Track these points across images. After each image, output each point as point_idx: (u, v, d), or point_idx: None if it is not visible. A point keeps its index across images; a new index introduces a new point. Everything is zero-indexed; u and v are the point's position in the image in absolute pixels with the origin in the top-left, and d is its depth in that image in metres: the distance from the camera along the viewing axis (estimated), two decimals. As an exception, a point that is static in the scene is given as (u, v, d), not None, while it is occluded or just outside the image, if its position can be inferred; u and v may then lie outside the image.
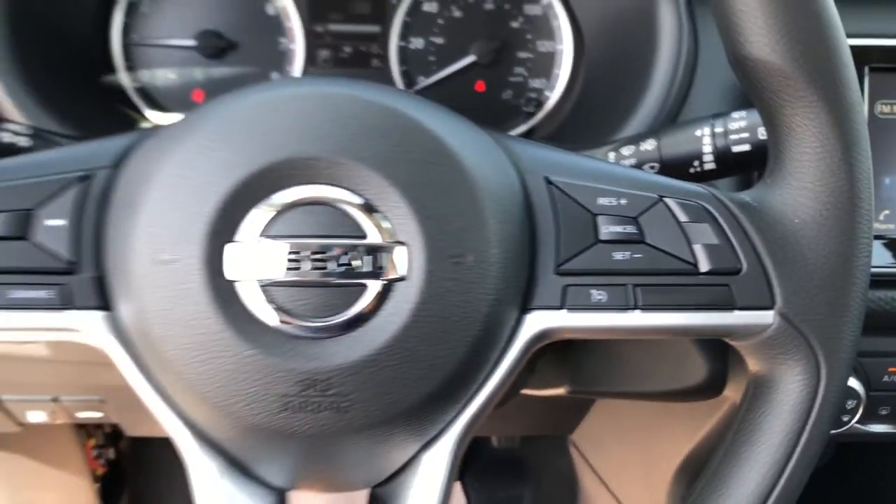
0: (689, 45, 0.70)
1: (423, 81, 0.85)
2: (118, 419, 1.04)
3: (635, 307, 0.45)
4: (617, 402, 1.00)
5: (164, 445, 1.44)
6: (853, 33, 0.67)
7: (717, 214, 0.46)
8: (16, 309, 0.43)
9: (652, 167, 0.61)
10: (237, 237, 0.41)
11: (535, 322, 0.45)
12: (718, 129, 0.59)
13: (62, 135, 0.60)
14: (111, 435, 1.44)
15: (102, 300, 0.44)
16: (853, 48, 0.67)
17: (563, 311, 0.45)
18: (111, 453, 1.45)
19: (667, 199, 0.46)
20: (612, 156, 0.62)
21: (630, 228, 0.46)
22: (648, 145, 0.61)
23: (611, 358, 0.80)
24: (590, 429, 1.09)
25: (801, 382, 0.45)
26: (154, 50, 0.81)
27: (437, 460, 0.46)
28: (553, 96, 0.86)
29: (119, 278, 0.43)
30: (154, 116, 0.82)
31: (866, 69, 0.70)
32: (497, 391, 0.46)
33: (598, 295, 0.45)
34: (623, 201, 0.46)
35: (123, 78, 0.81)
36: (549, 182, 0.47)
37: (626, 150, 0.62)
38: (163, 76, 0.82)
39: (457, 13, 0.84)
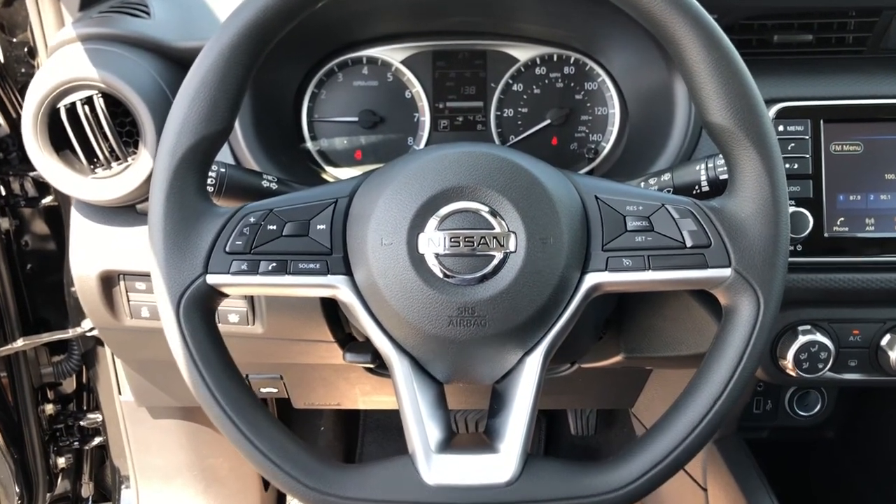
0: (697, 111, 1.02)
1: (513, 139, 1.20)
2: (290, 394, 1.40)
3: (648, 269, 0.77)
4: (665, 372, 1.30)
5: (308, 427, 1.87)
6: (811, 96, 0.99)
7: (696, 213, 0.78)
8: (301, 274, 0.78)
9: (668, 190, 0.93)
10: (425, 230, 0.76)
11: (590, 279, 0.78)
12: (710, 165, 0.91)
13: (289, 181, 0.96)
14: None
15: (347, 269, 0.79)
16: (812, 107, 0.99)
17: (606, 272, 0.78)
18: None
19: (667, 206, 0.79)
20: (642, 184, 0.95)
21: (645, 223, 0.78)
22: (666, 176, 0.93)
23: (651, 330, 1.11)
24: (646, 400, 1.38)
25: (749, 309, 0.76)
26: (329, 124, 1.19)
27: (534, 363, 0.79)
28: (606, 146, 1.19)
29: (358, 256, 0.78)
30: (331, 170, 1.19)
31: (821, 121, 1.01)
32: (569, 322, 0.78)
33: (626, 262, 0.77)
34: (640, 207, 0.79)
35: (310, 144, 1.19)
36: (597, 198, 0.80)
37: (652, 181, 0.94)
38: (335, 143, 1.19)
39: (536, 90, 1.19)
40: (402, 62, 1.09)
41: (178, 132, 0.75)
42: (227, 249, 0.76)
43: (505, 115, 1.18)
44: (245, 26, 0.75)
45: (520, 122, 1.18)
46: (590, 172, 1.18)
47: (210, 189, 0.90)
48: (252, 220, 0.77)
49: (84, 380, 1.65)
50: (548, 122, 1.16)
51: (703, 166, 0.91)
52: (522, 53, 1.10)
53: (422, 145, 1.18)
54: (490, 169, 0.77)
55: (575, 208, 0.78)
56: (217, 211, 0.78)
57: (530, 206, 0.76)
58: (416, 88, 1.17)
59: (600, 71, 1.17)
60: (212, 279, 0.76)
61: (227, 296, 0.78)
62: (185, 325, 0.75)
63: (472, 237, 0.75)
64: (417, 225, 0.76)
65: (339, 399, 1.40)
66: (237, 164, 1.03)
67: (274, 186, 0.93)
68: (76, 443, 1.66)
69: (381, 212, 0.76)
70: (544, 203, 0.77)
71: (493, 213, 0.76)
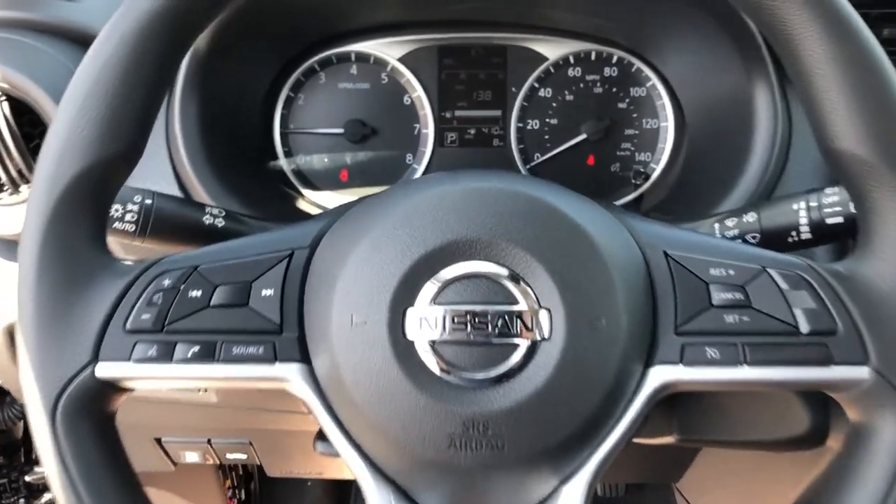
0: (784, 127, 0.77)
1: (539, 158, 0.95)
2: (262, 461, 1.16)
3: (744, 363, 0.53)
4: (722, 450, 1.05)
5: (292, 486, 1.59)
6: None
7: (814, 283, 0.53)
8: (237, 362, 0.54)
9: (753, 237, 0.69)
10: (415, 304, 0.52)
11: (657, 376, 0.54)
12: (813, 204, 0.66)
13: (245, 215, 0.72)
14: (243, 477, 1.57)
15: (303, 355, 0.55)
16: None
17: (681, 366, 0.53)
18: (243, 494, 1.58)
19: (769, 270, 0.54)
20: (716, 227, 0.70)
21: (738, 295, 0.54)
22: (750, 217, 0.69)
23: (717, 408, 0.86)
24: (695, 476, 1.13)
25: (894, 430, 0.51)
26: (307, 137, 0.95)
27: (574, 494, 0.54)
28: (657, 168, 0.94)
29: (317, 337, 0.54)
30: (310, 194, 0.95)
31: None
32: (626, 435, 0.54)
33: (711, 352, 0.53)
34: (731, 272, 0.54)
35: (283, 162, 0.95)
36: (666, 255, 0.55)
37: (730, 222, 0.70)
38: (315, 160, 0.95)
39: (569, 97, 0.95)
40: (401, 59, 0.87)
41: (59, 156, 0.52)
42: (129, 326, 0.53)
43: (529, 127, 0.94)
44: (156, 2, 0.51)
45: (547, 137, 0.94)
46: (636, 202, 0.93)
47: (129, 227, 0.67)
48: (167, 281, 0.54)
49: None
50: (583, 136, 0.93)
51: (802, 205, 0.66)
52: (552, 50, 0.90)
53: (423, 164, 0.93)
54: (511, 213, 0.53)
55: (635, 270, 0.54)
56: (117, 268, 0.54)
57: (572, 268, 0.52)
58: (418, 93, 0.93)
59: (650, 73, 0.92)
60: (104, 370, 0.53)
61: (128, 391, 0.54)
62: (63, 440, 0.52)
63: (486, 316, 0.51)
64: (405, 296, 0.52)
65: (321, 468, 1.16)
66: (181, 194, 0.79)
67: (220, 223, 0.70)
68: (21, 500, 1.45)
69: (353, 275, 0.53)
70: (593, 264, 0.52)
71: (516, 280, 0.52)
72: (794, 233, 0.67)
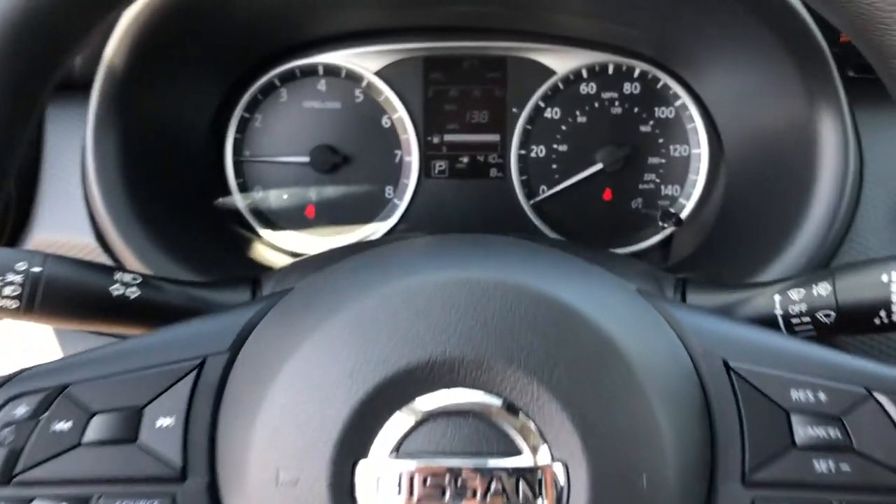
0: (855, 165, 0.61)
1: (545, 192, 0.79)
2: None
3: (844, 532, 0.37)
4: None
5: None
6: None
7: None
8: None
9: (826, 315, 0.52)
10: (369, 454, 0.36)
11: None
12: (912, 275, 0.50)
13: (172, 280, 0.56)
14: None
15: None
16: None
17: None
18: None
19: (878, 395, 0.38)
20: (777, 299, 0.54)
21: (834, 431, 0.38)
22: (822, 289, 0.52)
23: None
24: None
25: None
26: (267, 166, 0.79)
27: None
28: (688, 205, 0.78)
29: (233, 491, 0.38)
30: (268, 235, 0.79)
31: None
32: None
33: (796, 514, 0.37)
34: (822, 395, 0.38)
35: (237, 198, 0.79)
36: (728, 369, 0.39)
37: (795, 294, 0.53)
38: (275, 195, 0.79)
39: (581, 119, 0.79)
40: (378, 73, 0.71)
41: None
42: None
43: (533, 154, 0.78)
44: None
45: (555, 167, 0.78)
46: (663, 247, 0.77)
47: (9, 304, 0.51)
48: (23, 409, 0.39)
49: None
50: (598, 166, 0.76)
51: (894, 276, 0.50)
52: (561, 62, 0.77)
53: (405, 199, 0.78)
54: (515, 319, 0.37)
55: (687, 395, 0.39)
56: None
57: (598, 404, 0.36)
58: (399, 113, 0.77)
59: (680, 90, 0.76)
60: None
61: None
62: None
63: (473, 475, 0.35)
64: (354, 444, 0.36)
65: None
66: (96, 246, 0.63)
67: (133, 294, 0.54)
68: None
69: (280, 407, 0.37)
70: (628, 394, 0.37)
71: (519, 419, 0.36)
72: (882, 313, 0.51)
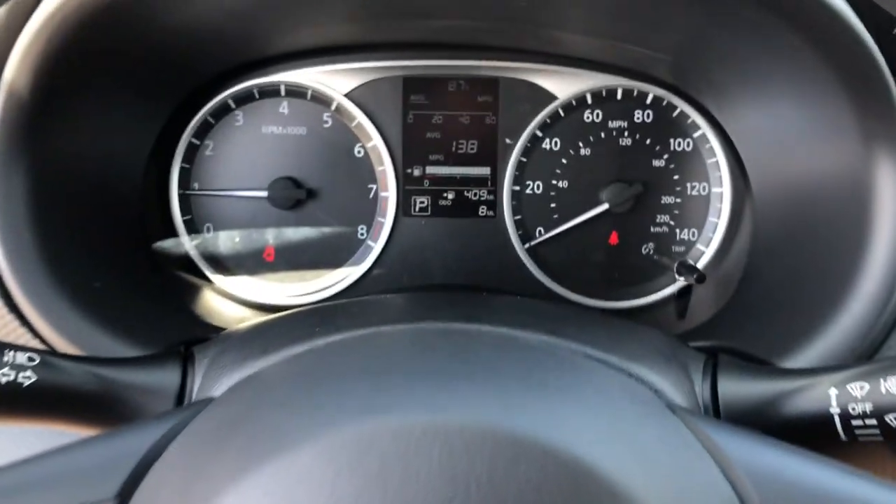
0: None
1: (542, 234, 0.68)
2: None
3: None
4: None
5: None
6: None
7: None
8: None
9: (867, 418, 0.42)
10: None
11: None
12: None
13: (81, 359, 0.45)
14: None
15: None
16: None
17: None
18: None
19: None
20: (833, 394, 0.44)
21: None
22: (892, 384, 0.42)
23: None
24: None
25: None
26: (219, 201, 0.68)
27: None
28: (707, 252, 0.68)
29: None
30: (221, 282, 0.68)
31: None
32: None
33: None
34: None
35: (184, 240, 0.67)
36: None
37: (857, 389, 0.43)
38: (229, 236, 0.68)
39: (585, 151, 0.68)
40: (350, 95, 0.62)
41: None
42: None
43: (529, 191, 0.68)
44: None
45: (554, 206, 0.68)
46: (681, 299, 0.67)
47: None
48: None
49: None
50: (604, 206, 0.66)
51: None
52: (562, 85, 0.68)
53: (381, 240, 0.67)
54: (503, 489, 0.26)
55: None
56: None
57: None
58: (374, 142, 0.67)
59: (699, 118, 0.66)
60: None
61: None
62: None
63: None
64: None
65: None
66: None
67: (28, 379, 0.44)
68: None
69: None
70: None
71: None
72: None
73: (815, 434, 0.44)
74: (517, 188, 0.69)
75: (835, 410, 0.43)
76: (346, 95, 0.67)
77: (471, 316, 0.43)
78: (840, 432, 0.43)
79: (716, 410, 0.46)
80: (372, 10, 0.59)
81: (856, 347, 0.51)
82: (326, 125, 0.68)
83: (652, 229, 0.68)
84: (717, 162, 0.67)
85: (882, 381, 0.43)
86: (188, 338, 0.48)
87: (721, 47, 0.57)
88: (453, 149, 0.69)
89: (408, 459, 0.26)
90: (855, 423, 0.43)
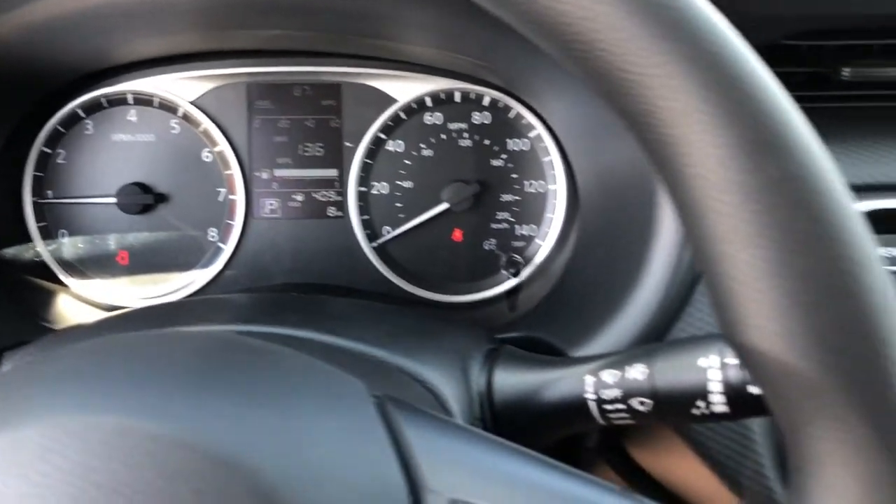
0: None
1: (389, 233, 0.71)
2: None
3: None
4: None
5: None
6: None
7: None
8: None
9: (642, 403, 0.45)
10: None
11: None
12: (729, 360, 0.43)
13: None
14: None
15: None
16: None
17: None
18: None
19: None
20: (589, 380, 0.47)
21: None
22: (638, 373, 0.45)
23: None
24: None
25: None
26: (72, 208, 0.70)
27: None
28: (545, 245, 0.71)
29: None
30: (76, 286, 0.70)
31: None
32: None
33: None
34: None
35: (39, 246, 0.69)
36: None
37: (609, 376, 0.46)
38: (84, 241, 0.70)
39: (427, 152, 0.71)
40: (196, 102, 0.64)
41: None
42: None
43: (375, 192, 0.70)
44: None
45: (400, 206, 0.70)
46: (514, 292, 0.70)
47: None
48: None
49: None
50: (445, 205, 0.68)
51: (713, 359, 0.44)
52: (402, 89, 0.70)
53: (232, 243, 0.69)
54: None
55: None
56: None
57: None
58: (220, 147, 0.69)
59: (534, 120, 0.69)
60: None
61: None
62: None
63: None
64: None
65: None
66: None
67: None
68: None
69: None
70: None
71: None
72: (700, 403, 0.44)
73: (577, 418, 0.47)
74: (363, 189, 0.71)
75: (590, 396, 0.46)
76: (193, 102, 0.69)
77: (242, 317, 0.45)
78: (597, 416, 0.46)
79: (490, 400, 0.49)
80: (198, 22, 0.62)
81: (642, 334, 0.54)
82: (174, 131, 0.70)
83: (492, 226, 0.71)
84: (551, 161, 0.70)
85: (628, 368, 0.46)
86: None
87: (525, 57, 0.60)
88: (300, 152, 0.71)
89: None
90: (607, 407, 0.46)
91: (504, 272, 0.70)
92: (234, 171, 0.70)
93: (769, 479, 0.55)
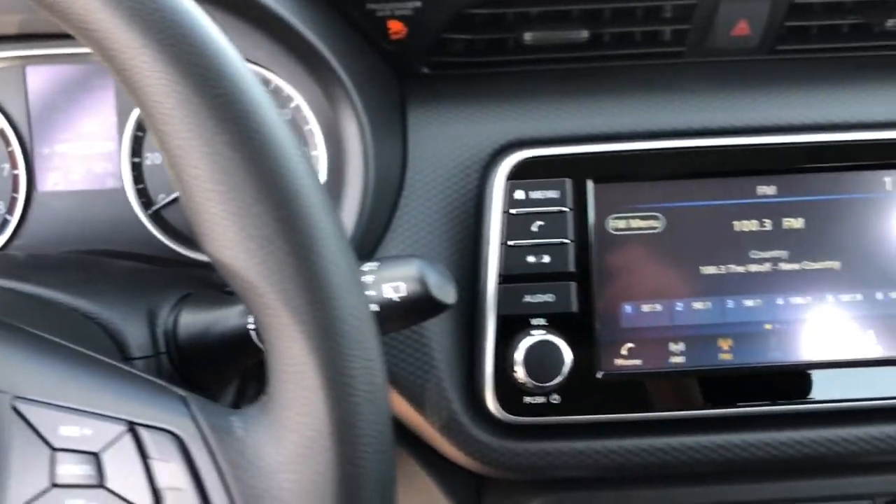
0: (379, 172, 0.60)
1: (164, 199, 0.77)
2: None
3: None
4: None
5: None
6: (576, 135, 0.58)
7: (191, 449, 0.36)
8: None
9: None
10: None
11: None
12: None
13: None
14: None
15: None
16: (572, 156, 0.57)
17: None
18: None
19: (138, 428, 0.36)
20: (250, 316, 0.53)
21: (89, 468, 0.36)
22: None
23: None
24: None
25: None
26: None
27: None
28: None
29: None
30: None
31: (590, 182, 0.59)
32: None
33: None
34: (88, 431, 0.37)
35: None
36: (15, 409, 0.38)
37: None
38: None
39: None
40: None
41: None
42: None
43: (149, 162, 0.75)
44: None
45: (172, 174, 0.74)
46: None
47: None
48: None
49: None
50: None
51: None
52: None
53: (16, 215, 0.74)
54: None
55: None
56: None
57: None
58: (1, 124, 0.74)
59: (292, 91, 0.74)
60: None
61: None
62: None
63: None
64: None
65: None
66: None
67: None
68: None
69: None
70: None
71: None
72: None
73: (244, 348, 0.53)
74: (137, 160, 0.77)
75: (251, 326, 0.52)
76: (-34, 80, 0.74)
77: None
78: (257, 342, 0.52)
79: (175, 337, 0.55)
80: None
81: None
82: (-53, 108, 0.75)
83: (259, 191, 0.77)
84: (311, 129, 0.76)
85: None
86: None
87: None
88: (79, 128, 0.76)
89: None
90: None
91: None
92: (15, 147, 0.75)
93: (452, 402, 0.61)
